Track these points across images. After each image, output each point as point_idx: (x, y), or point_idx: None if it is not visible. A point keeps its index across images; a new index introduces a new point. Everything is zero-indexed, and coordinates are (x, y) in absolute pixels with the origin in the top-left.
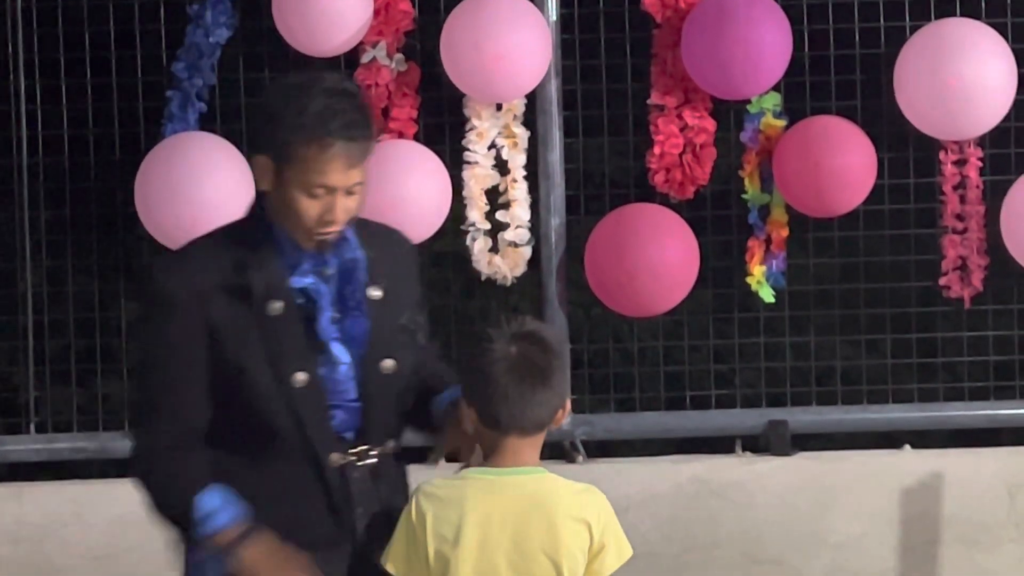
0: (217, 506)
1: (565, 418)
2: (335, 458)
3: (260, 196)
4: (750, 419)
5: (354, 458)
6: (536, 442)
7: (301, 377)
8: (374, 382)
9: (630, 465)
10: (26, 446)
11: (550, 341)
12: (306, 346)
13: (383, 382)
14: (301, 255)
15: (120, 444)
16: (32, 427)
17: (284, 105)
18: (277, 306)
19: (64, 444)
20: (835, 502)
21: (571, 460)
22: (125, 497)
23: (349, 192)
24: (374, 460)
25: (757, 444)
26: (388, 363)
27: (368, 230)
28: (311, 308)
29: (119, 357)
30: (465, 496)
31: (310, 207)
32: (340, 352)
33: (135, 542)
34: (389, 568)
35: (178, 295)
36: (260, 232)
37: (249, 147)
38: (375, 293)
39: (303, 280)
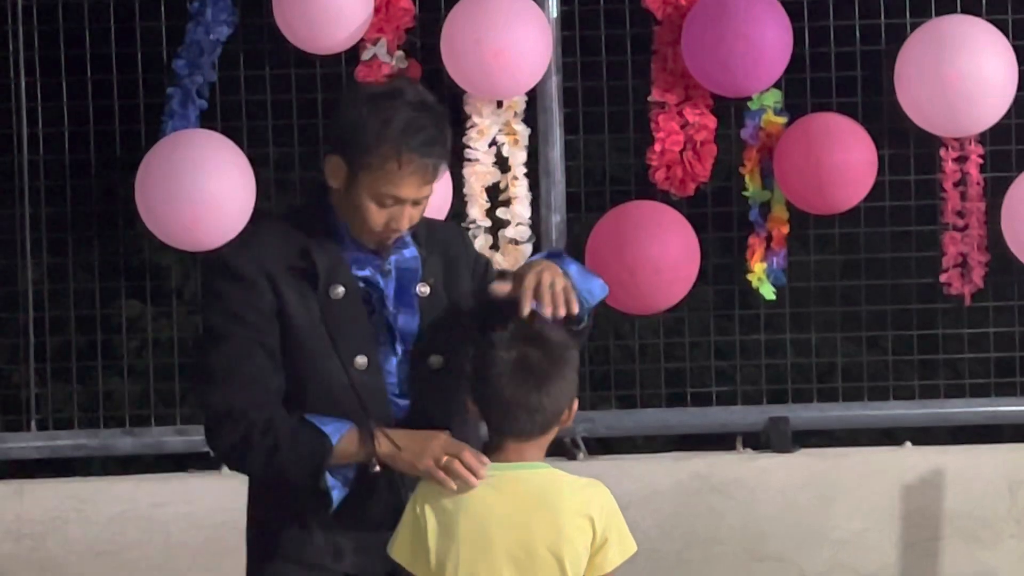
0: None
1: (571, 420)
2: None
3: (326, 188)
4: (751, 416)
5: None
6: (540, 443)
7: (361, 361)
8: (421, 377)
9: (631, 462)
10: (27, 443)
11: (554, 343)
12: (367, 332)
13: (430, 378)
14: (360, 251)
15: (120, 442)
16: (33, 424)
17: (369, 114)
18: (339, 290)
19: (65, 441)
20: (836, 498)
21: (572, 457)
22: (126, 494)
23: (415, 203)
24: None
25: (758, 441)
26: (435, 359)
27: (423, 225)
28: (371, 296)
29: (120, 354)
30: (466, 491)
31: (377, 215)
32: (396, 344)
33: (136, 539)
34: (394, 557)
35: (248, 271)
36: (325, 223)
37: (326, 145)
38: (423, 290)
39: (363, 271)
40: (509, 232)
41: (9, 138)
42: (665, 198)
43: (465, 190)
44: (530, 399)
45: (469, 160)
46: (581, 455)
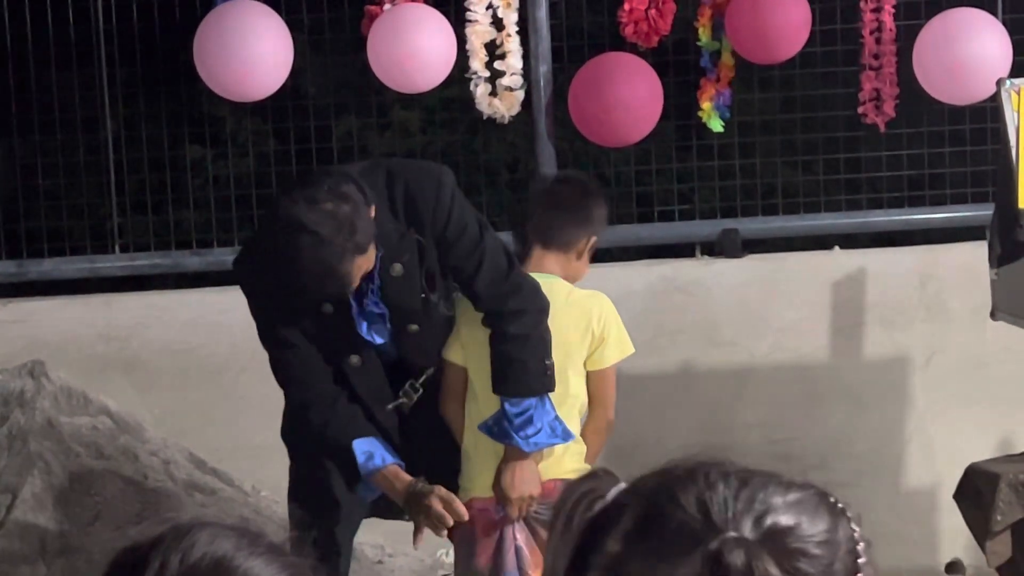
0: (370, 450)
1: (587, 253)
2: (389, 406)
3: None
4: (707, 228)
5: (404, 399)
6: (559, 258)
7: (354, 360)
8: (405, 341)
9: (610, 269)
10: (113, 263)
11: (587, 185)
12: (355, 337)
13: (413, 339)
14: None
15: (189, 260)
16: (117, 247)
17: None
18: (328, 307)
19: (143, 261)
20: (778, 294)
21: None
22: (194, 303)
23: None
24: (420, 391)
25: (713, 248)
26: (412, 327)
27: (400, 197)
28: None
29: (186, 189)
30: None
31: None
32: (378, 335)
33: (204, 339)
34: (447, 357)
35: (267, 303)
36: None
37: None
38: (396, 269)
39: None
40: (505, 81)
41: (86, 11)
42: (633, 49)
43: (468, 46)
44: (555, 218)
45: (470, 21)
46: None
